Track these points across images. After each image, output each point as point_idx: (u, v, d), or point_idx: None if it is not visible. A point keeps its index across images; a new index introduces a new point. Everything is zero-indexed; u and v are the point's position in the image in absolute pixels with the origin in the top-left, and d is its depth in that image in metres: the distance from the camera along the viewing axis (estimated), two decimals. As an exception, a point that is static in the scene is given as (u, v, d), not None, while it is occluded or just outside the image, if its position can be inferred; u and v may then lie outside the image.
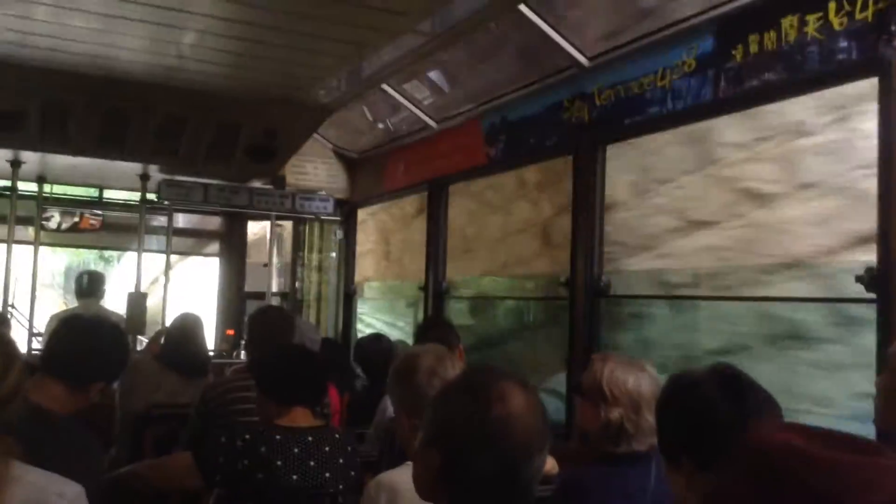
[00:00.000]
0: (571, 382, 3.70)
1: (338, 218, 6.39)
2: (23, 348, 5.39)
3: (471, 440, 1.36)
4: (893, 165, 2.52)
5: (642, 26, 3.49)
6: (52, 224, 6.35)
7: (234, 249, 7.32)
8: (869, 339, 2.68)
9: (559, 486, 2.20)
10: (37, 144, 4.88)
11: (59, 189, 6.31)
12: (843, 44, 2.63)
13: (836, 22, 2.65)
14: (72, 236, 6.64)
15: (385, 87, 4.95)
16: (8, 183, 5.51)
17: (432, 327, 3.90)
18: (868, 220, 2.72)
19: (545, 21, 3.70)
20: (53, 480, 1.70)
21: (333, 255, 6.58)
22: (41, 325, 5.79)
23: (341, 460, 2.64)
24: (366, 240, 6.91)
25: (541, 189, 5.01)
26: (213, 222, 7.29)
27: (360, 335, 6.04)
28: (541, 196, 4.98)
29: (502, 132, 4.41)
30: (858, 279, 2.62)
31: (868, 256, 2.72)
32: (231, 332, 6.47)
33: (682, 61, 3.23)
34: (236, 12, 3.63)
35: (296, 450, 2.56)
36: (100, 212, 6.68)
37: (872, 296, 2.59)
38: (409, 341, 5.35)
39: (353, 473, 2.66)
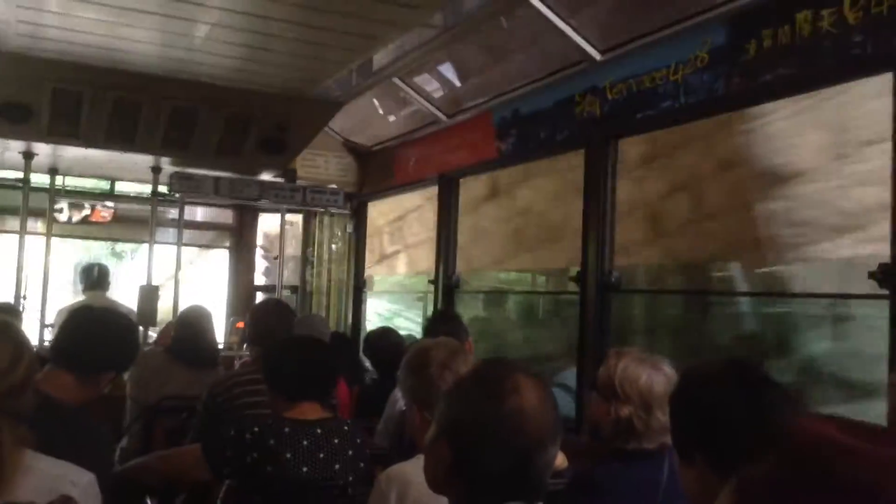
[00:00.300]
0: (581, 377, 3.70)
1: (347, 211, 6.40)
2: (34, 339, 5.44)
3: (483, 433, 1.36)
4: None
5: (655, 20, 3.47)
6: (64, 216, 6.38)
7: (244, 242, 7.37)
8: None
9: (570, 481, 2.20)
10: (48, 136, 4.90)
11: (71, 181, 6.33)
12: (858, 38, 2.61)
13: (851, 16, 2.63)
14: (83, 228, 6.67)
15: (396, 80, 4.94)
16: (20, 175, 5.53)
17: (442, 321, 3.90)
18: None
19: (557, 14, 3.69)
20: (66, 469, 1.72)
21: (334, 246, 6.59)
22: (51, 316, 5.81)
23: (350, 452, 2.65)
24: (421, 229, 6.15)
25: (647, 163, 4.10)
26: (225, 215, 7.32)
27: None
28: (648, 172, 4.04)
29: (513, 126, 4.40)
30: (871, 275, 2.61)
31: None
32: (241, 324, 6.49)
33: (694, 56, 3.22)
34: (247, 5, 3.63)
35: (305, 442, 2.56)
36: (111, 204, 6.71)
37: (885, 292, 2.57)
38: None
39: (362, 465, 2.67)
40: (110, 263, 6.54)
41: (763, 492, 0.86)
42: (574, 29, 3.71)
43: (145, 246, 5.95)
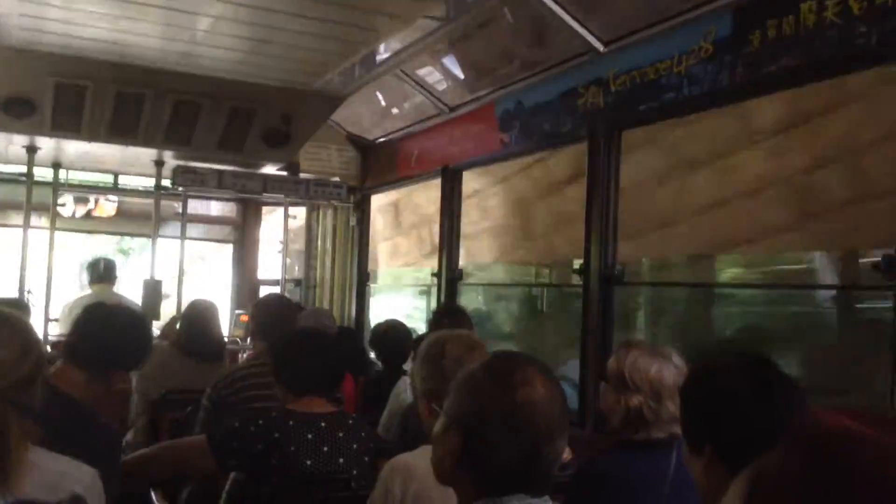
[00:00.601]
0: (584, 370, 3.70)
1: (350, 204, 6.40)
2: (38, 334, 5.44)
3: (493, 424, 1.37)
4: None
5: (658, 11, 3.45)
6: (68, 211, 6.39)
7: (248, 236, 7.38)
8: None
9: (578, 471, 2.21)
10: (51, 131, 4.90)
11: (74, 175, 6.33)
12: (863, 29, 2.60)
13: (856, 7, 2.61)
14: (87, 223, 6.68)
15: (399, 73, 4.93)
16: (24, 169, 5.53)
17: (447, 314, 3.90)
18: None
19: (560, 5, 3.68)
20: (69, 465, 1.72)
21: (330, 242, 6.60)
22: (56, 311, 5.82)
23: (355, 446, 2.66)
24: (483, 217, 5.67)
25: (785, 130, 3.43)
26: (229, 209, 7.33)
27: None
28: (787, 142, 3.41)
29: (516, 118, 4.39)
30: (875, 267, 2.60)
31: None
32: (245, 317, 6.50)
33: (698, 46, 3.20)
34: (250, -2, 3.63)
35: (309, 435, 2.57)
36: (115, 198, 6.72)
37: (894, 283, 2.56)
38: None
39: (366, 459, 2.67)
40: (116, 260, 6.52)
41: (781, 484, 0.86)
42: (577, 20, 3.69)
43: (157, 245, 5.95)
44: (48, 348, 4.98)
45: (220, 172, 5.65)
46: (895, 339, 2.54)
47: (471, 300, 5.54)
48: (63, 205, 6.22)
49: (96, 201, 6.60)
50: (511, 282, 6.03)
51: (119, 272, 6.08)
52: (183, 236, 5.91)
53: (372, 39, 4.13)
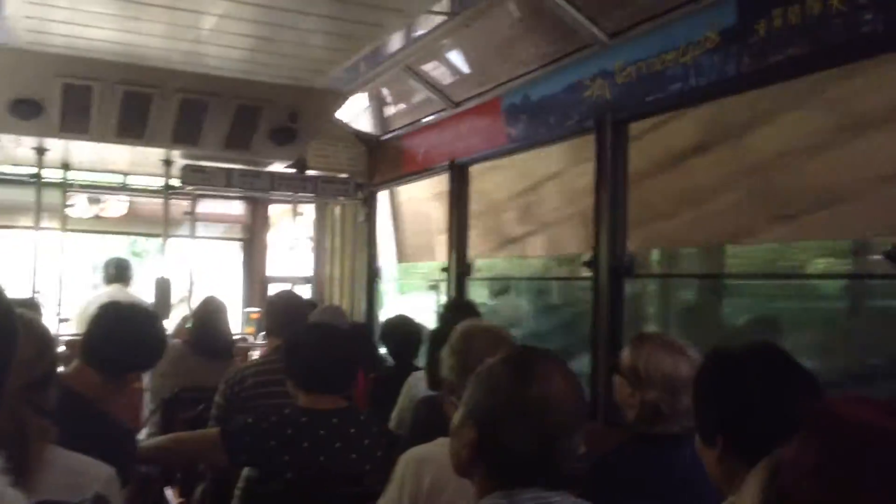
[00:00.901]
0: (594, 363, 3.70)
1: (358, 200, 6.40)
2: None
3: (508, 417, 1.39)
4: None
5: (663, 2, 3.44)
6: (78, 211, 6.42)
7: (256, 233, 7.41)
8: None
9: (594, 464, 2.21)
10: (59, 131, 4.92)
11: (83, 176, 6.35)
12: (868, 16, 2.59)
13: (861, -7, 2.60)
14: (97, 223, 6.72)
15: (405, 68, 4.93)
16: (34, 170, 5.56)
17: (457, 310, 3.91)
18: None
19: (565, -2, 3.67)
20: (86, 463, 1.74)
21: (339, 239, 6.59)
22: (67, 311, 5.86)
23: (367, 441, 2.67)
24: (563, 201, 4.61)
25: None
26: (237, 207, 7.36)
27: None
28: None
29: (523, 112, 4.39)
30: (886, 255, 2.59)
31: None
32: (256, 315, 6.54)
33: (704, 37, 3.20)
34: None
35: (322, 432, 2.58)
36: (125, 198, 6.75)
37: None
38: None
39: (379, 454, 2.68)
40: (132, 261, 6.55)
41: (798, 478, 0.86)
42: (582, 12, 3.69)
43: (167, 244, 5.98)
44: (62, 347, 5.01)
45: (228, 171, 5.67)
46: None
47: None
48: (72, 205, 6.24)
49: (106, 202, 6.63)
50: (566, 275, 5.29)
51: (132, 272, 6.11)
52: (192, 235, 5.93)
53: (377, 35, 4.13)
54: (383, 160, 6.23)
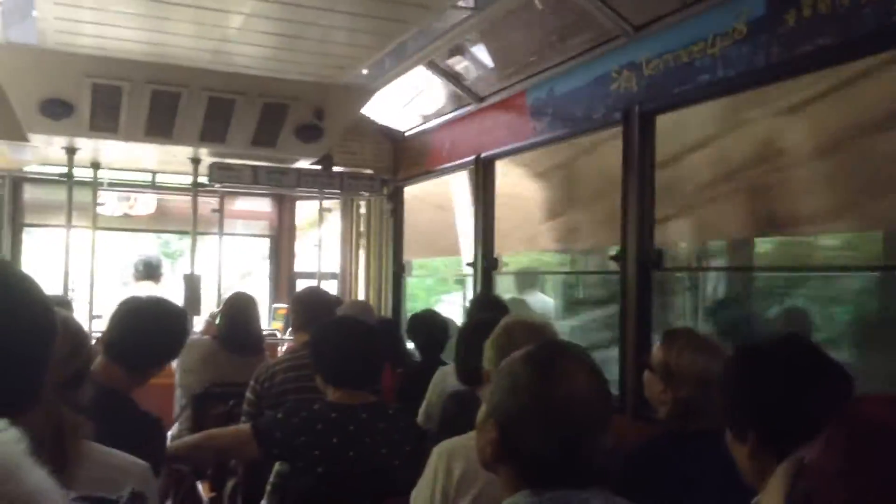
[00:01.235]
0: (623, 356, 3.68)
1: (384, 195, 6.42)
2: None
3: (530, 418, 1.36)
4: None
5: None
6: (107, 210, 6.49)
7: (283, 229, 7.46)
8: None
9: (626, 460, 2.20)
10: (89, 131, 4.98)
11: (113, 174, 6.42)
12: (901, 5, 2.55)
13: (893, -19, 2.55)
14: (127, 221, 6.80)
15: (429, 64, 4.93)
16: (64, 169, 5.64)
17: (484, 306, 3.91)
18: None
19: (591, -10, 3.65)
20: (122, 458, 1.76)
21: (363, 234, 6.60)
22: (100, 308, 5.93)
23: (396, 436, 2.68)
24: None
25: None
26: (265, 203, 7.42)
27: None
28: None
29: (549, 105, 4.37)
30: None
31: None
32: (283, 310, 6.58)
33: (732, 28, 3.16)
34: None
35: (351, 427, 2.60)
36: (154, 196, 6.83)
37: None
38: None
39: (407, 449, 2.69)
40: (163, 263, 6.63)
41: (822, 480, 0.85)
42: (608, 4, 3.66)
43: (204, 244, 6.04)
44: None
45: (255, 168, 5.71)
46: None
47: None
48: (102, 204, 6.32)
49: (136, 200, 6.70)
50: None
51: (164, 270, 6.18)
52: (221, 232, 5.98)
53: (402, 31, 4.12)
54: (408, 156, 6.24)
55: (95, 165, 5.93)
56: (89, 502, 1.18)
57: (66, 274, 5.60)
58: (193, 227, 5.90)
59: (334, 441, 2.56)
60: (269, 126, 5.19)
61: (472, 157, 5.17)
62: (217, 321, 4.74)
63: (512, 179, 5.14)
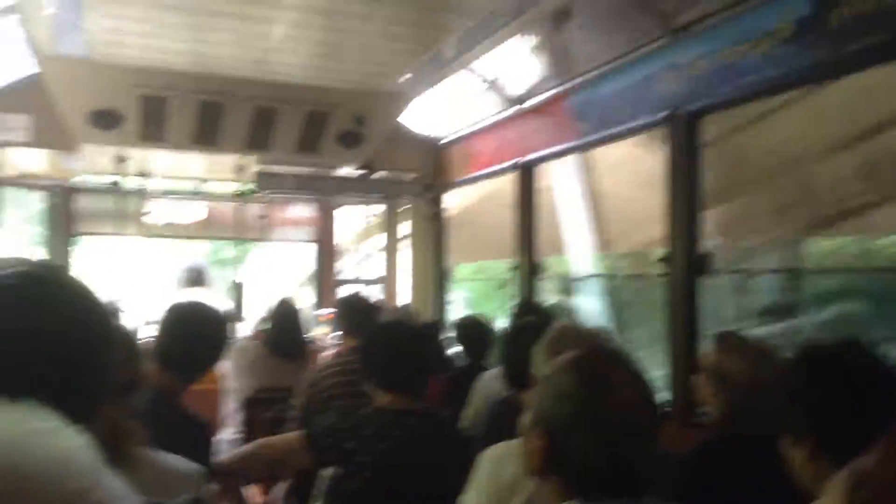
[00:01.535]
0: (671, 361, 3.64)
1: (426, 201, 6.44)
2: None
3: (574, 426, 1.34)
4: None
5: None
6: (156, 218, 6.61)
7: (326, 235, 7.52)
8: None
9: (679, 465, 2.18)
10: (137, 140, 5.08)
11: (160, 183, 6.54)
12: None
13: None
14: (175, 228, 6.92)
15: (469, 68, 4.94)
16: (114, 179, 5.75)
17: (526, 312, 3.90)
18: None
19: (632, -7, 3.63)
20: (177, 463, 1.80)
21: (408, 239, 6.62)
22: (149, 315, 6.04)
23: (443, 441, 2.68)
24: None
25: None
26: (309, 210, 7.49)
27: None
28: None
29: (592, 108, 4.34)
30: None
31: None
32: (326, 317, 6.63)
33: (777, 28, 3.12)
34: (322, 3, 3.69)
35: (398, 432, 2.61)
36: (201, 204, 6.93)
37: None
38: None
39: (455, 454, 2.69)
40: (214, 270, 6.73)
41: (878, 491, 0.84)
42: (651, 4, 3.64)
43: (252, 252, 6.13)
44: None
45: (299, 175, 5.77)
46: None
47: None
48: (151, 212, 6.44)
49: (184, 208, 6.81)
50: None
51: (211, 277, 6.27)
52: (266, 238, 6.05)
53: (441, 37, 4.15)
54: (449, 161, 6.25)
55: (143, 174, 6.04)
56: None
57: (117, 281, 5.72)
58: (239, 233, 5.98)
59: (382, 446, 2.57)
60: (311, 133, 5.25)
61: (514, 162, 5.15)
62: (265, 327, 4.80)
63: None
